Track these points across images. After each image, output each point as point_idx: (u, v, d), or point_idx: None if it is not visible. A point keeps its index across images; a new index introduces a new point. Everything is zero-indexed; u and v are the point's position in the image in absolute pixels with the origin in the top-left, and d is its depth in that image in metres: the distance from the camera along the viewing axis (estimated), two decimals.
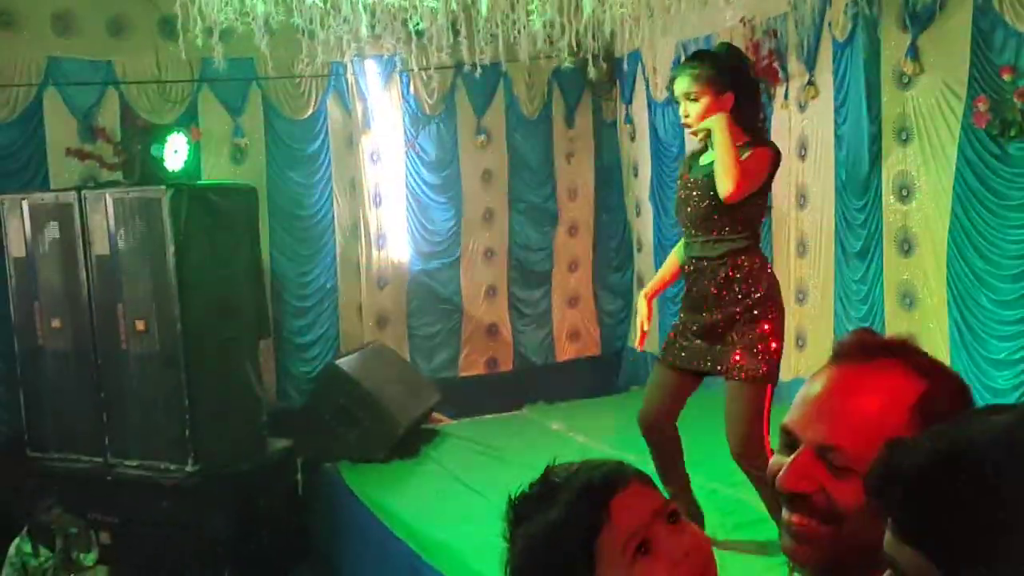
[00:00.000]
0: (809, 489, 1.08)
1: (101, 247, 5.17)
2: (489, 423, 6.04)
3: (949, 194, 4.73)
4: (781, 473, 1.10)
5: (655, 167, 6.63)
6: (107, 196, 5.14)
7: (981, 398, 4.43)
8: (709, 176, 3.39)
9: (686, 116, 3.41)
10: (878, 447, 1.05)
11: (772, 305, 3.47)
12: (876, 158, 5.09)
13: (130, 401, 5.25)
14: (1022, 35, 4.25)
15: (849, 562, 1.10)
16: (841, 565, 1.11)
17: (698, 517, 3.54)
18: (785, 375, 5.78)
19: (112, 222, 5.12)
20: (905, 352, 1.11)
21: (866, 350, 1.12)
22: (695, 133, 3.49)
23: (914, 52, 4.75)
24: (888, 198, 5.06)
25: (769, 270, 3.55)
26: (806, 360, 5.73)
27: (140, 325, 5.14)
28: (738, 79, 3.42)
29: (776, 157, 3.47)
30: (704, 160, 3.50)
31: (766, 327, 3.42)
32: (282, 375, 6.24)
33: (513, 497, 1.23)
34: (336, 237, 6.40)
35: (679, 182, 3.64)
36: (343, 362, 5.61)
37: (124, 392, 5.26)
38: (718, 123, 3.34)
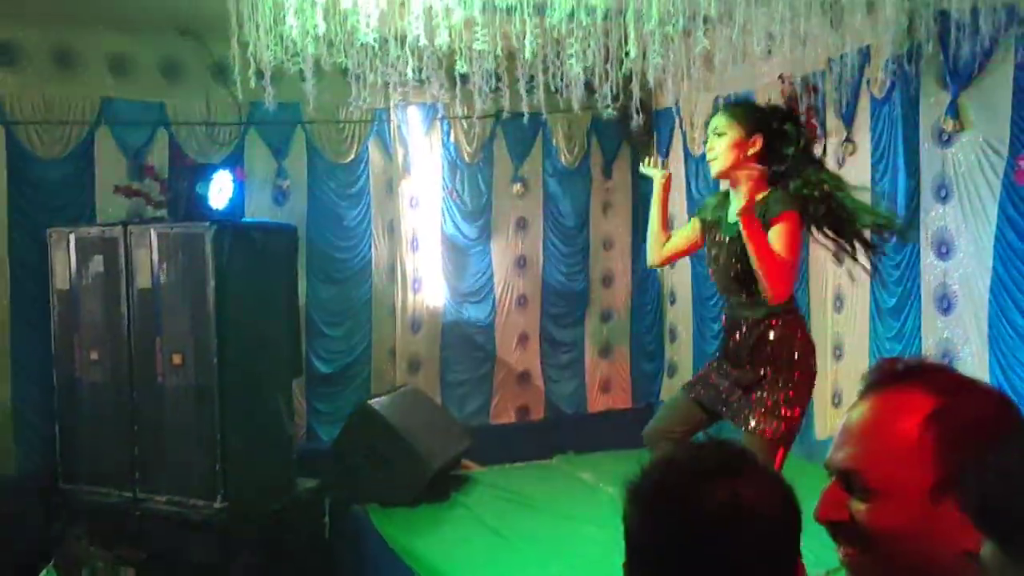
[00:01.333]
0: (840, 517, 1.09)
1: (144, 281, 5.26)
2: (519, 471, 5.99)
3: (990, 252, 4.69)
4: (816, 507, 1.12)
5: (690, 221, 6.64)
6: (152, 231, 5.24)
7: None
8: (740, 236, 3.24)
9: (711, 150, 3.35)
10: (894, 463, 1.05)
11: (803, 372, 3.37)
12: (915, 214, 5.08)
13: (163, 435, 5.28)
14: None
15: None
16: None
17: None
18: (821, 433, 5.72)
19: (156, 256, 5.21)
20: (924, 373, 1.12)
21: (885, 378, 1.13)
22: (716, 172, 3.39)
23: (954, 110, 4.76)
24: (927, 255, 5.03)
25: (806, 334, 3.45)
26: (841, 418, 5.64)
27: (177, 359, 5.19)
28: (771, 125, 3.33)
29: (803, 216, 3.31)
30: (732, 217, 3.35)
31: (791, 392, 3.33)
32: (312, 414, 6.26)
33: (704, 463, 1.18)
34: (372, 279, 6.47)
35: (707, 235, 3.52)
36: (376, 403, 5.61)
37: (158, 426, 5.29)
38: (746, 227, 3.17)
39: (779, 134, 3.34)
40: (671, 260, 4.01)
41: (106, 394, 5.42)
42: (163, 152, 5.90)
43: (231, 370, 5.11)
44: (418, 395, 6.13)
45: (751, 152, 3.28)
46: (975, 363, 4.81)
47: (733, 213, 3.31)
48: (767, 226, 3.19)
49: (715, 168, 3.36)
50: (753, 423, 3.31)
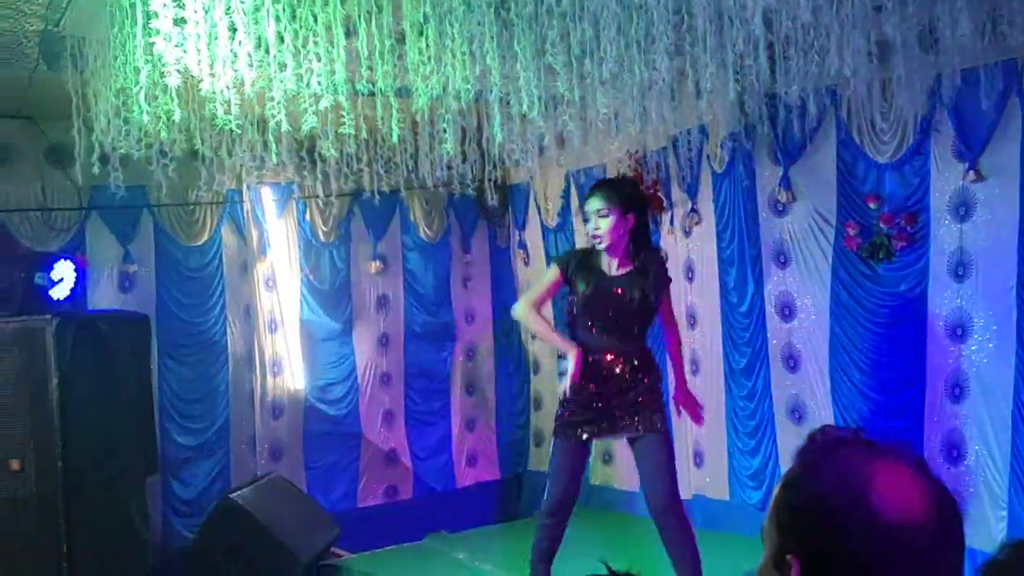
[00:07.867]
0: None
1: None
2: (392, 555, 5.82)
3: (827, 312, 5.04)
4: None
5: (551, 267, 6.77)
6: None
7: None
8: (630, 288, 3.96)
9: (597, 229, 3.91)
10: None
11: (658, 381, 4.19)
12: (758, 280, 5.40)
13: None
14: (882, 166, 4.68)
15: None
16: None
17: None
18: (685, 493, 5.89)
19: None
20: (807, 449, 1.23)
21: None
22: (603, 244, 3.95)
23: (787, 182, 5.14)
24: (772, 317, 5.34)
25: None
26: (703, 477, 5.84)
27: (15, 464, 4.78)
28: (639, 205, 4.04)
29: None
30: (614, 271, 4.01)
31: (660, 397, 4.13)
32: (169, 512, 5.89)
33: None
34: (229, 365, 6.21)
35: (585, 284, 3.99)
36: (237, 495, 5.34)
37: None
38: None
39: (643, 210, 4.08)
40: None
41: None
42: None
43: (77, 474, 4.76)
44: (282, 483, 5.89)
45: (628, 228, 3.95)
46: (820, 419, 5.11)
47: (608, 267, 4.01)
48: (660, 284, 4.01)
49: (602, 244, 3.94)
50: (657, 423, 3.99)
